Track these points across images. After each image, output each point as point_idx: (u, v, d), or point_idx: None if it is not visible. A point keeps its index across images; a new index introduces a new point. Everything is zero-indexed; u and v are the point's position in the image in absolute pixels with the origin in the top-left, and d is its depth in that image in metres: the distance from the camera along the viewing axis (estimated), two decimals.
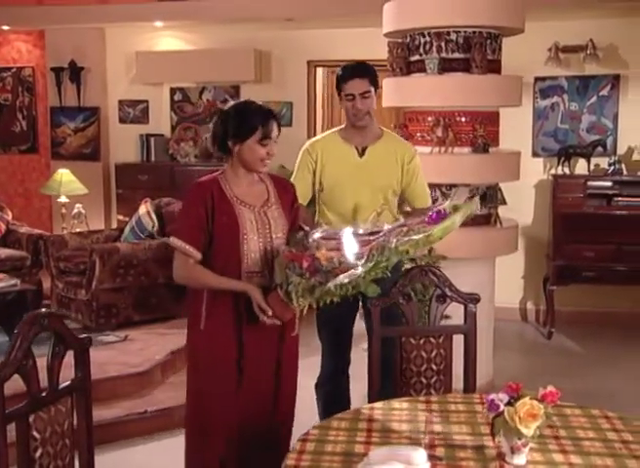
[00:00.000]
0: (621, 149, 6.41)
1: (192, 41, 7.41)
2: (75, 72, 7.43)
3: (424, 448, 1.90)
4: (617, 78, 6.37)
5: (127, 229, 5.82)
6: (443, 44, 4.39)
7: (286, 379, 2.78)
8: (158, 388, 4.56)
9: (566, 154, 6.34)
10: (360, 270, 2.39)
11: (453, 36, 4.38)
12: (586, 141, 6.40)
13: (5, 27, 7.61)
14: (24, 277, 5.87)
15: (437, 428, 2.18)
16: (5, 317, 4.86)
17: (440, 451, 2.01)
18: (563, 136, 6.54)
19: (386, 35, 4.70)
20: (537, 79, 6.54)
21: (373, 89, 3.30)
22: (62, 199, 6.90)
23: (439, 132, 4.36)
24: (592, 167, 6.38)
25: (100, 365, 4.63)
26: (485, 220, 4.63)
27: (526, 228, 6.70)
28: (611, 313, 6.34)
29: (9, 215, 6.60)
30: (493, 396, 1.87)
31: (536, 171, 6.62)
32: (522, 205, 6.57)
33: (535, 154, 6.62)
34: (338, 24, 6.76)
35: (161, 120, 7.59)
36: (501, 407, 1.86)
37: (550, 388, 1.92)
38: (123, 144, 7.65)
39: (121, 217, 7.09)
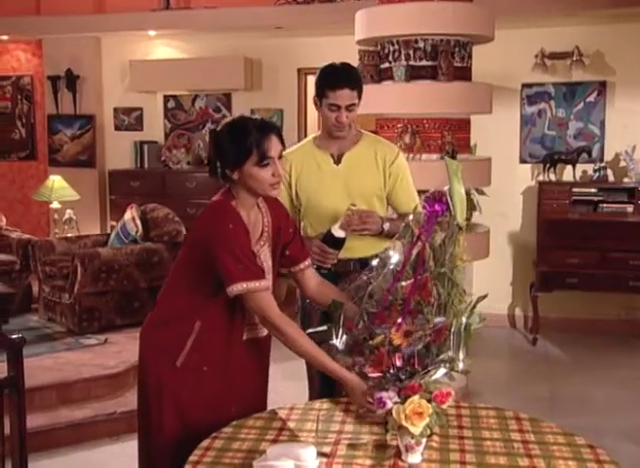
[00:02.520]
0: (609, 156, 6.40)
1: (184, 49, 7.53)
2: (71, 80, 7.57)
3: (316, 446, 1.95)
4: (603, 85, 6.36)
5: (112, 235, 5.91)
6: (411, 52, 4.44)
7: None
8: (131, 390, 4.62)
9: (551, 161, 6.34)
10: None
11: (421, 44, 4.43)
12: (574, 148, 6.41)
13: (4, 37, 7.78)
14: (14, 281, 6.00)
15: (348, 428, 2.21)
16: None
17: (341, 449, 2.05)
18: (550, 143, 6.54)
19: (358, 43, 4.76)
20: (524, 85, 6.56)
21: (358, 100, 2.97)
22: (55, 205, 7.02)
23: (407, 138, 4.40)
24: (580, 173, 6.39)
25: (76, 366, 4.74)
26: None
27: (514, 235, 6.71)
28: (595, 319, 6.32)
29: (2, 221, 6.73)
30: (382, 393, 1.90)
31: (523, 177, 6.64)
32: (510, 211, 6.61)
33: (522, 161, 6.64)
34: (328, 32, 6.82)
35: (155, 127, 7.70)
36: (389, 404, 1.89)
37: (446, 389, 1.95)
38: (118, 151, 7.77)
39: (114, 223, 7.18)
